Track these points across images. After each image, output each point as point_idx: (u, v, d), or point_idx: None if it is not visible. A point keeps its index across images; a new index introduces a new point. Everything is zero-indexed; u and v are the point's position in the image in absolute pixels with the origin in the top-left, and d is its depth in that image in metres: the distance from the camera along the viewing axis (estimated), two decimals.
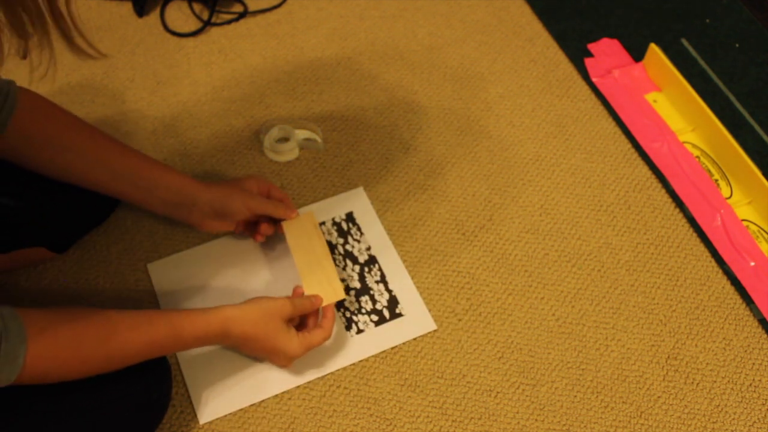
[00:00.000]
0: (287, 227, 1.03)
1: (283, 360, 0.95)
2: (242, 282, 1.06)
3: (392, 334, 1.02)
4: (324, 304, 0.98)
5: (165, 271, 1.06)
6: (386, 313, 1.04)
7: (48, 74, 0.65)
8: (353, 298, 1.05)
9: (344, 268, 1.08)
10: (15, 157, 0.91)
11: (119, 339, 0.80)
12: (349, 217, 1.12)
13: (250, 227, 1.06)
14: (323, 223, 1.11)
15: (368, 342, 1.02)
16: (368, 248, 1.10)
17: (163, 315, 0.86)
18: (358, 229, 1.11)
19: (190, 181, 0.99)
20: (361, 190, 1.15)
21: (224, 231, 1.07)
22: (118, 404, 0.85)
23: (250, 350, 0.96)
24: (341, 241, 1.10)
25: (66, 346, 0.76)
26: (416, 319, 1.04)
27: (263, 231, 1.04)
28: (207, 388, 0.97)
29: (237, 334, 0.90)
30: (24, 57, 0.60)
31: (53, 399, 0.80)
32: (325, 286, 0.99)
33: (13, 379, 0.71)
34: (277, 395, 0.97)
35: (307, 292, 0.98)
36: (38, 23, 0.60)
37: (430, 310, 1.05)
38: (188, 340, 0.87)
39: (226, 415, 0.96)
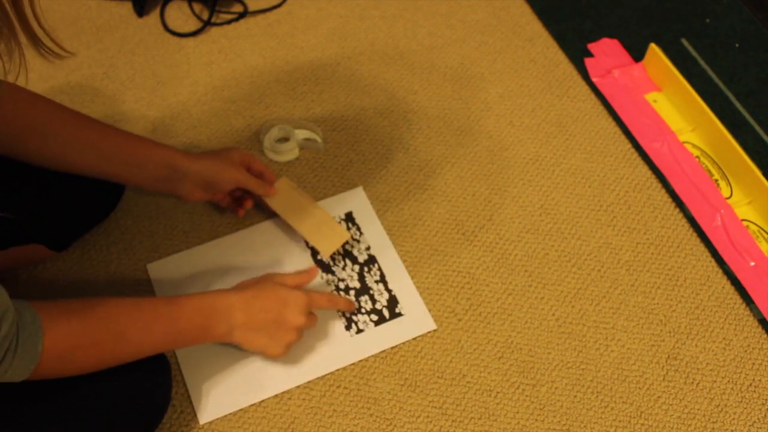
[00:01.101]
0: (270, 199, 1.07)
1: (295, 310, 0.93)
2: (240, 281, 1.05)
3: (392, 334, 1.02)
4: (331, 250, 1.03)
5: (164, 271, 1.06)
6: (386, 313, 1.04)
7: (19, 80, 0.64)
8: (353, 298, 1.05)
9: (344, 268, 1.08)
10: (3, 149, 0.91)
11: (127, 320, 0.82)
12: (349, 217, 1.12)
13: (231, 198, 1.09)
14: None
15: (368, 342, 1.02)
16: (368, 248, 1.10)
17: (164, 297, 0.89)
18: (358, 228, 1.11)
19: (179, 154, 0.99)
20: (360, 190, 1.15)
21: (209, 202, 1.11)
22: (118, 404, 0.85)
23: (259, 317, 0.92)
24: None
25: (81, 337, 0.77)
26: (416, 318, 1.04)
27: (246, 206, 1.08)
28: (207, 387, 0.97)
29: (238, 300, 0.90)
30: None
31: (52, 399, 0.80)
32: (327, 232, 1.03)
33: (30, 373, 0.71)
34: (277, 395, 0.97)
35: (311, 241, 1.04)
36: (4, 29, 0.59)
37: (430, 310, 1.05)
38: (191, 314, 0.87)
39: (226, 415, 0.96)
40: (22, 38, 0.61)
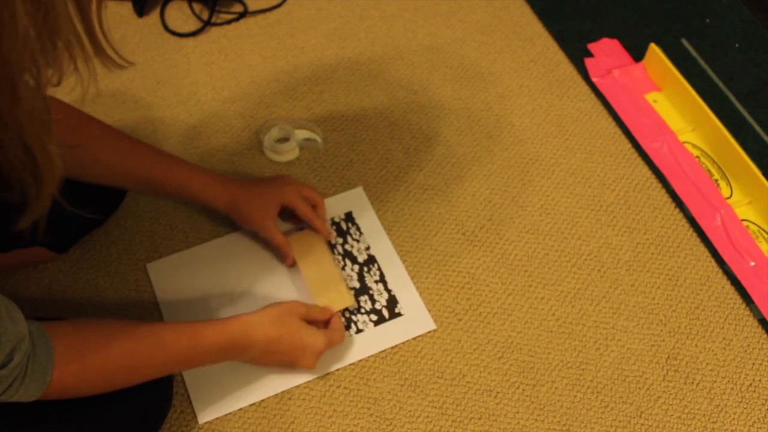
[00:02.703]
0: (292, 242, 1.05)
1: (310, 357, 0.93)
2: (243, 281, 1.06)
3: (392, 334, 1.02)
4: (334, 310, 1.01)
5: (164, 271, 1.06)
6: (385, 313, 1.04)
7: (90, 92, 0.65)
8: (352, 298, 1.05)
9: (343, 268, 1.08)
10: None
11: (144, 353, 0.80)
12: (348, 217, 1.12)
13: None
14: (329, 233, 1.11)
15: (368, 341, 1.02)
16: (367, 248, 1.10)
17: (185, 324, 0.86)
18: (357, 228, 1.11)
19: (227, 204, 1.01)
20: (360, 190, 1.15)
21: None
22: (120, 406, 0.84)
23: (275, 357, 0.93)
24: (340, 240, 1.10)
25: (91, 362, 0.76)
26: (415, 318, 1.04)
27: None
28: (206, 387, 0.97)
29: (260, 338, 0.89)
30: (57, 84, 0.60)
31: (50, 405, 0.79)
32: (334, 296, 1.01)
33: (39, 396, 0.71)
34: (277, 395, 0.97)
35: (317, 301, 1.01)
36: (73, 45, 0.59)
37: (430, 310, 1.05)
38: (211, 348, 0.85)
39: (225, 415, 0.96)
40: (89, 49, 0.61)
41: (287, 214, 1.07)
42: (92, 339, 0.77)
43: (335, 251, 1.09)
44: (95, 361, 0.76)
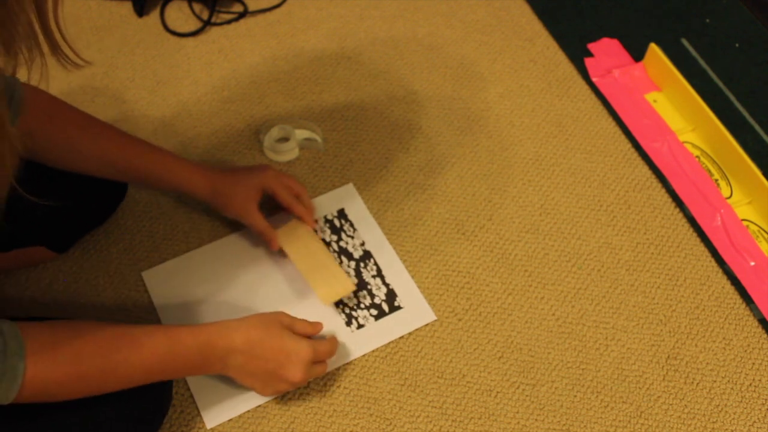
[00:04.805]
0: (280, 235, 1.04)
1: (297, 365, 0.89)
2: (239, 286, 1.05)
3: (393, 327, 1.03)
4: (336, 298, 1.00)
5: (160, 278, 1.05)
6: (385, 307, 1.04)
7: (41, 87, 0.64)
8: (351, 294, 1.05)
9: (340, 265, 1.07)
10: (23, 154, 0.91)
11: (120, 356, 0.78)
12: (341, 214, 1.12)
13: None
14: (315, 221, 1.10)
15: (369, 336, 1.02)
16: (362, 243, 1.10)
17: (162, 327, 0.84)
18: (351, 225, 1.11)
19: (208, 191, 1.00)
20: (350, 186, 1.15)
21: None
22: (116, 410, 0.84)
23: (259, 364, 0.89)
24: (335, 238, 1.10)
25: (65, 364, 0.74)
26: (415, 311, 1.04)
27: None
28: (211, 391, 0.96)
29: (240, 341, 0.86)
30: (12, 74, 0.60)
31: (43, 410, 0.78)
32: (333, 282, 1.01)
33: (12, 398, 0.70)
34: None
35: (316, 291, 1.00)
36: (29, 39, 0.59)
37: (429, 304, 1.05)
38: (189, 350, 0.83)
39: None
40: (44, 46, 0.61)
41: (272, 205, 1.07)
42: (65, 338, 0.75)
43: (330, 248, 1.09)
44: (68, 360, 0.74)
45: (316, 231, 1.08)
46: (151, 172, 0.98)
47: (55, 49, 0.63)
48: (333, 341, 0.95)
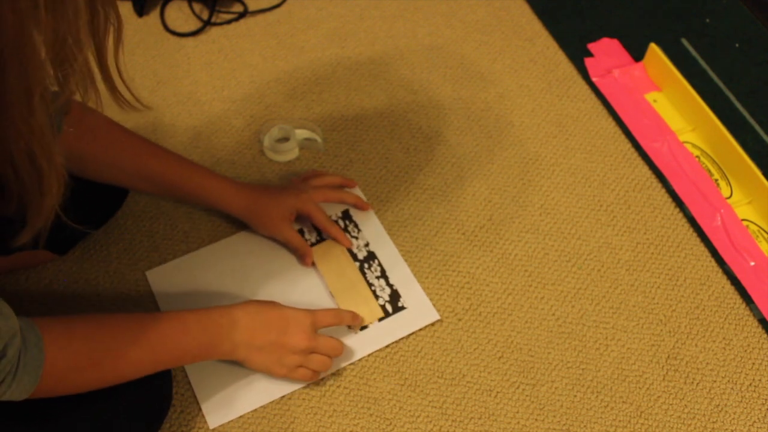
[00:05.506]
0: (315, 252, 1.06)
1: (300, 330, 0.92)
2: (242, 284, 1.05)
3: (397, 328, 1.02)
4: (362, 324, 1.02)
5: (164, 277, 1.05)
6: (389, 308, 1.04)
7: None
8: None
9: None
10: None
11: (130, 336, 0.81)
12: (345, 215, 1.12)
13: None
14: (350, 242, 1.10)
15: (374, 337, 1.02)
16: (366, 244, 1.10)
17: (168, 313, 0.87)
18: (355, 225, 1.11)
19: (243, 209, 1.03)
20: (356, 189, 1.15)
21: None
22: (116, 408, 0.84)
23: (262, 334, 0.91)
24: None
25: (82, 358, 0.76)
26: (419, 311, 1.04)
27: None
28: (214, 392, 0.96)
29: (242, 313, 0.89)
30: (67, 113, 0.61)
31: (42, 404, 0.79)
32: (362, 307, 1.02)
33: (28, 395, 0.71)
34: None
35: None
36: (86, 80, 0.60)
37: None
38: (196, 333, 0.86)
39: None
40: (101, 86, 0.62)
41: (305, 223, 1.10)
42: (79, 327, 0.77)
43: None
44: (83, 349, 0.76)
45: (350, 252, 1.09)
46: (189, 189, 1.01)
47: (113, 90, 0.64)
48: (334, 310, 0.98)
